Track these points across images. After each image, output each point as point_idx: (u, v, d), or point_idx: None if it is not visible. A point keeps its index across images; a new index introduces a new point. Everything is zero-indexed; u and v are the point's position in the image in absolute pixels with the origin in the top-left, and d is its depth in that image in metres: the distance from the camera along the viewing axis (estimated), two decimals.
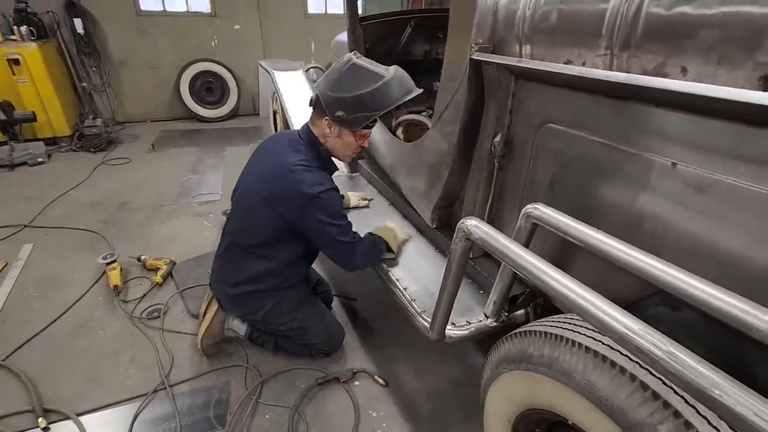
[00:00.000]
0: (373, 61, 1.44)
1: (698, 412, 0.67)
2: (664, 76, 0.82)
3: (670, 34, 0.80)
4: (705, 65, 0.75)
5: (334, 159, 1.62)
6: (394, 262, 1.72)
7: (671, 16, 0.78)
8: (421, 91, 1.46)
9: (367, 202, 2.23)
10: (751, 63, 0.68)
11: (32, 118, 4.23)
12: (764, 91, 0.66)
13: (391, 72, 1.39)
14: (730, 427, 0.65)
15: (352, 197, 2.20)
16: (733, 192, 0.75)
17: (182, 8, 5.61)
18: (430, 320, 1.29)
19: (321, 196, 1.41)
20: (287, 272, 1.66)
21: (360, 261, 1.60)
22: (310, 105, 1.52)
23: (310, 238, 1.54)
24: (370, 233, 1.73)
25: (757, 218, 0.73)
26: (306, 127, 1.56)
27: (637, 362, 0.76)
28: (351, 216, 2.14)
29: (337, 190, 1.53)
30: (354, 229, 1.59)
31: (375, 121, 1.46)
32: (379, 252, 1.67)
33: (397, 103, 1.40)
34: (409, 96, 1.42)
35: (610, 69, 0.92)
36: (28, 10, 4.45)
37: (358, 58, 1.42)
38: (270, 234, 1.54)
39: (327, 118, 1.44)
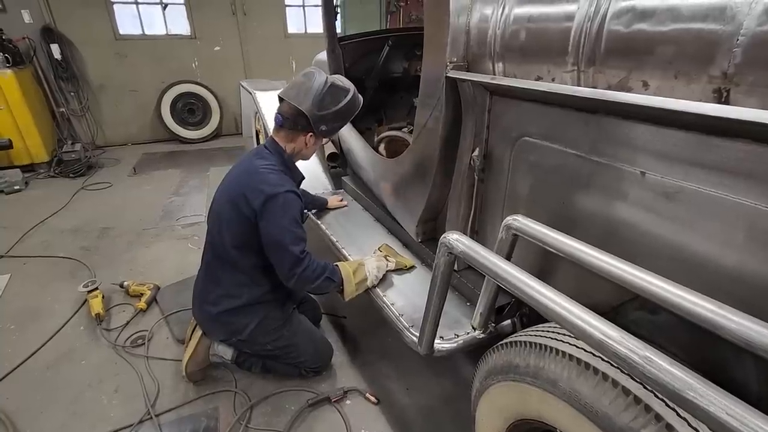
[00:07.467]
0: (339, 76, 1.64)
1: (678, 414, 0.69)
2: (628, 90, 0.86)
3: (630, 50, 0.84)
4: (664, 79, 0.79)
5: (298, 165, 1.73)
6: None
7: (631, 33, 0.83)
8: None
9: (345, 201, 2.39)
10: (705, 77, 0.72)
11: (8, 146, 4.14)
12: (718, 103, 0.70)
13: (352, 85, 1.63)
14: (709, 428, 0.67)
15: (330, 199, 2.35)
16: (698, 198, 0.79)
17: (161, 31, 5.62)
18: (418, 335, 1.29)
19: (280, 196, 1.49)
20: (262, 283, 1.65)
21: (301, 278, 1.52)
22: (281, 125, 1.60)
23: (263, 236, 1.51)
24: (337, 264, 1.65)
25: (720, 222, 0.76)
26: (270, 138, 1.66)
27: (618, 368, 0.78)
28: (334, 217, 2.25)
29: (300, 198, 1.58)
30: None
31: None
32: (325, 282, 1.56)
33: (358, 111, 1.66)
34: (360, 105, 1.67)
35: (578, 84, 0.96)
36: (3, 36, 4.40)
37: (330, 76, 1.59)
38: (238, 238, 1.57)
39: (312, 133, 1.59)
